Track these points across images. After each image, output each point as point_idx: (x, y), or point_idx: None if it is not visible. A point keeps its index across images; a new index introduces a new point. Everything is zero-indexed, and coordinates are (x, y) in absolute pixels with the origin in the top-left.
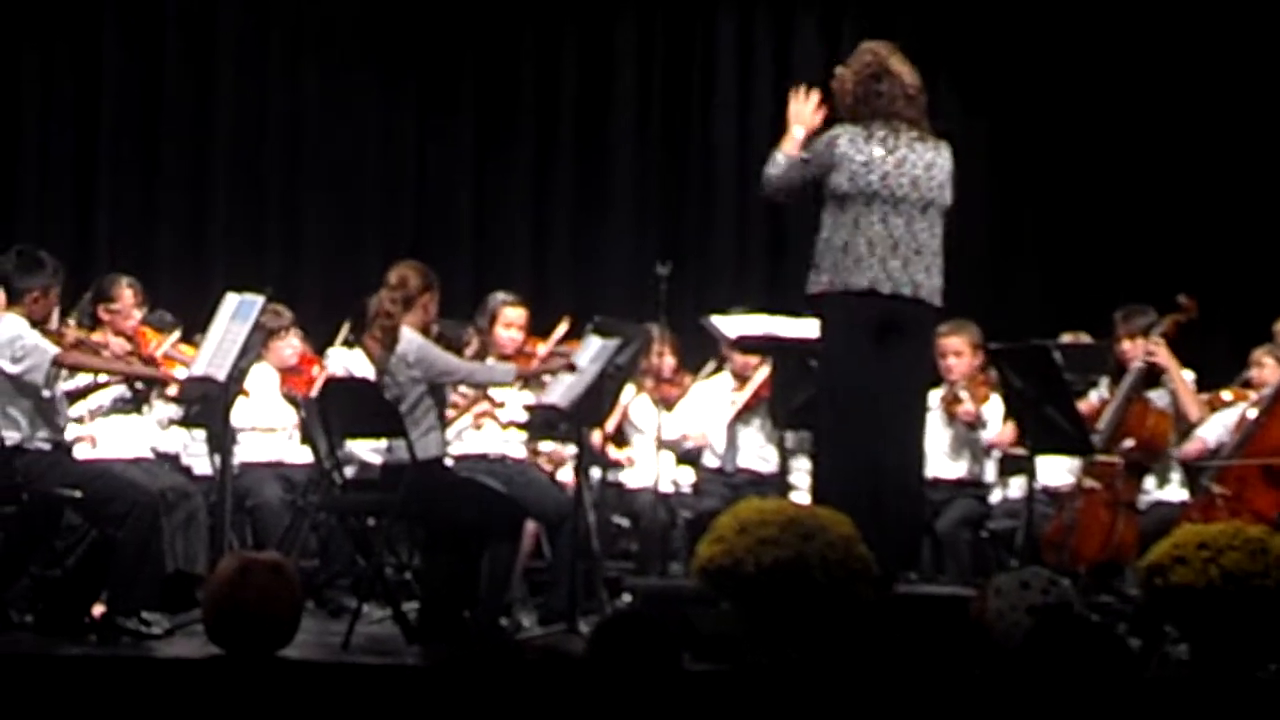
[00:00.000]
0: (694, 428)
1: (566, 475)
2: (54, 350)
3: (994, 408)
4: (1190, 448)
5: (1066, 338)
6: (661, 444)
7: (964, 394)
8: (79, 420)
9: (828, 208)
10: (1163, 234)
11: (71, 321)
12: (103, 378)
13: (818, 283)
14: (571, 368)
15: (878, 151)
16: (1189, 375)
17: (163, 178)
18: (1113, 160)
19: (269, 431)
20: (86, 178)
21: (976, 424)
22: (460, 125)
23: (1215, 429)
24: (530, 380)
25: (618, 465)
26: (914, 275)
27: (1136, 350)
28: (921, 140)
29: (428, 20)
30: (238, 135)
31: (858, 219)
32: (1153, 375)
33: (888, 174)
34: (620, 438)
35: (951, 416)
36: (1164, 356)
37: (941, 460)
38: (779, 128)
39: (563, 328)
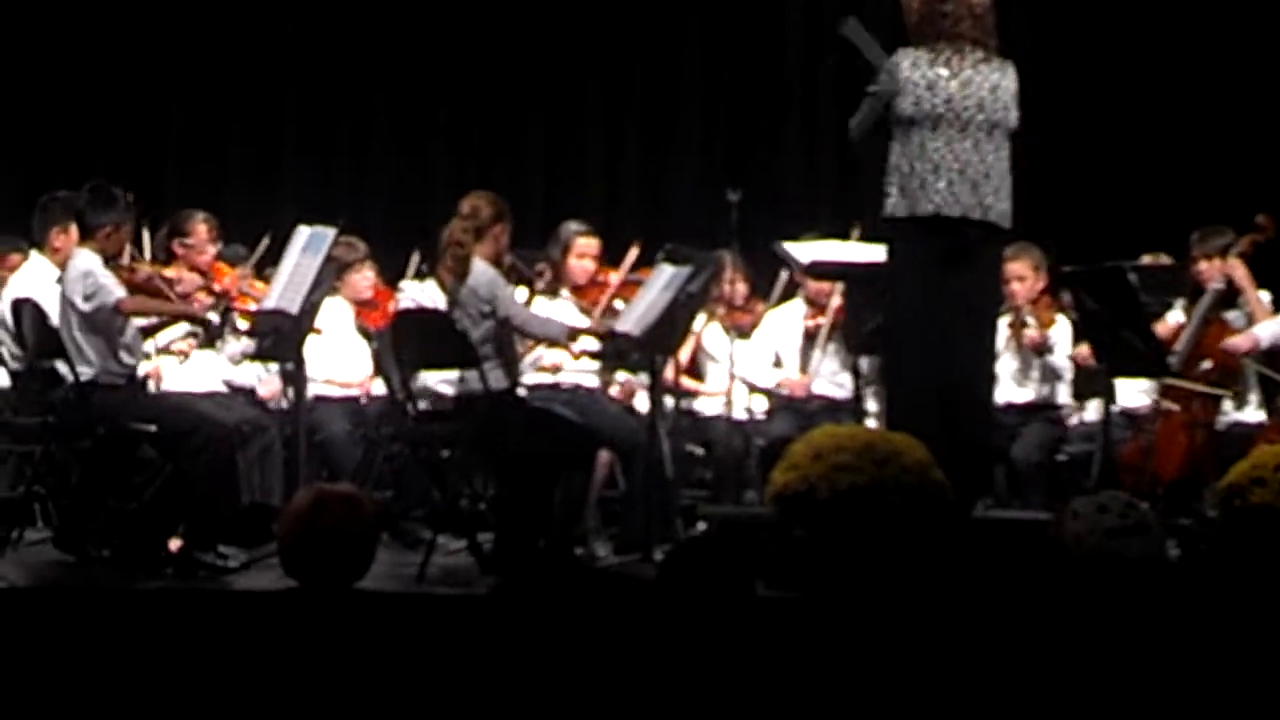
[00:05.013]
0: (777, 367)
1: (641, 404)
2: (119, 294)
3: (1061, 330)
4: (1240, 341)
5: (1146, 259)
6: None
7: (1030, 319)
8: (146, 356)
9: (895, 133)
10: (1240, 153)
11: (144, 257)
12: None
13: (887, 207)
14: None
15: (942, 73)
16: (1265, 296)
17: (232, 112)
18: (1190, 77)
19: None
20: (158, 112)
21: (1044, 348)
22: (531, 53)
23: (1272, 328)
24: (603, 313)
25: (693, 395)
26: (983, 199)
27: (1213, 271)
28: (987, 61)
29: None
30: (307, 66)
31: (924, 143)
32: (1230, 296)
33: (952, 96)
34: (696, 370)
35: (1018, 341)
36: (1242, 277)
37: (1010, 386)
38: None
39: (633, 253)
